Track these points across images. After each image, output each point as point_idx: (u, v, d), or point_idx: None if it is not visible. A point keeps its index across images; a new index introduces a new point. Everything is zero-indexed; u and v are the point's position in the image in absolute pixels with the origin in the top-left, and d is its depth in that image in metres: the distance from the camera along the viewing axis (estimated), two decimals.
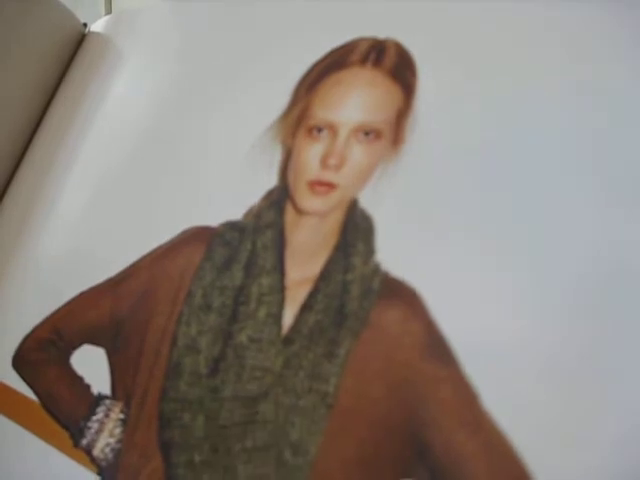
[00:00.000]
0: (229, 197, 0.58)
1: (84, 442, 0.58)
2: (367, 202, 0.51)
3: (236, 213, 0.57)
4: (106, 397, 0.59)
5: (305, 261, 0.52)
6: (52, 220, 0.71)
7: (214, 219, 0.58)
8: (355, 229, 0.51)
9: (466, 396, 0.44)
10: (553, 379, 0.42)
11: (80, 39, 0.82)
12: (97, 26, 0.82)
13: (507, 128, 0.48)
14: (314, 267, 0.51)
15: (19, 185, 0.77)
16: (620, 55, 0.46)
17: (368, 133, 0.52)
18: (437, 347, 0.46)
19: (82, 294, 0.63)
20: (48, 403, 0.62)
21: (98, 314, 0.61)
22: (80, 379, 0.61)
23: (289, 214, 0.54)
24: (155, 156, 0.66)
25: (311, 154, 0.53)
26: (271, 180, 0.56)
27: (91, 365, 0.61)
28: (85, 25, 0.82)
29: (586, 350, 0.41)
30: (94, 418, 0.58)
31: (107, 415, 0.58)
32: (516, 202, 0.46)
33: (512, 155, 0.47)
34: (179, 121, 0.66)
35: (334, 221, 0.52)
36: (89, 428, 0.58)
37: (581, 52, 0.48)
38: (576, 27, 0.48)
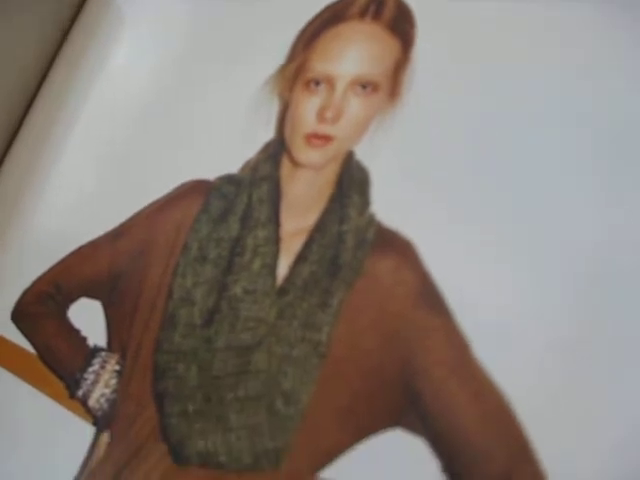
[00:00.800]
0: (227, 151, 0.58)
1: (80, 393, 0.59)
2: (363, 154, 0.50)
3: (233, 167, 0.56)
4: (102, 349, 0.59)
5: (300, 213, 0.52)
6: (54, 180, 0.72)
7: (212, 173, 0.57)
8: (351, 181, 0.50)
9: (458, 345, 0.44)
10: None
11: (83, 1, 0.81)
12: None
13: (507, 96, 0.48)
14: (309, 219, 0.51)
15: (21, 146, 0.78)
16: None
17: (365, 86, 0.51)
18: (430, 297, 0.46)
19: (80, 248, 0.63)
20: (45, 355, 0.62)
21: (96, 268, 0.62)
22: (77, 332, 0.61)
23: (285, 167, 0.54)
24: (157, 117, 0.66)
25: (308, 107, 0.53)
26: (268, 133, 0.56)
27: (88, 318, 0.61)
28: None
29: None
30: (90, 370, 0.58)
31: (103, 367, 0.58)
32: (513, 155, 0.46)
33: (510, 116, 0.47)
34: (180, 84, 0.66)
35: (330, 173, 0.51)
36: (85, 379, 0.58)
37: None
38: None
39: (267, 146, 0.55)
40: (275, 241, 0.52)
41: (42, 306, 0.64)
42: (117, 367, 0.57)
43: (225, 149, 0.57)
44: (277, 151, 0.54)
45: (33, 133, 0.77)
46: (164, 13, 0.70)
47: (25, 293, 0.66)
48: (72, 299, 0.62)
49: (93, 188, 0.67)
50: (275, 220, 0.52)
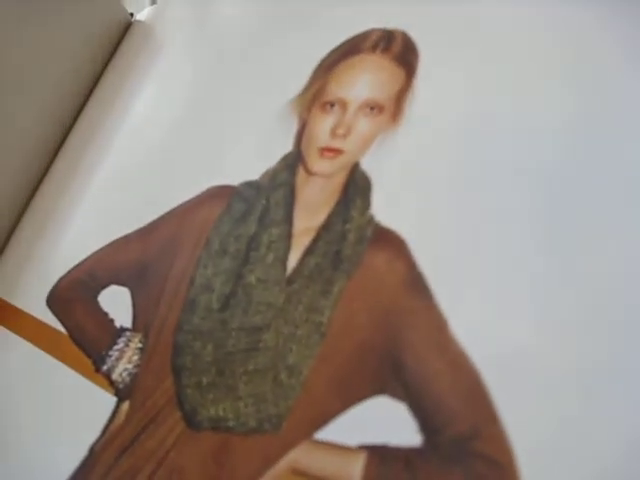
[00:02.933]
0: (250, 161, 0.66)
1: (105, 368, 0.66)
2: (367, 165, 0.59)
3: (255, 175, 0.65)
4: (127, 329, 0.67)
5: (311, 214, 0.60)
6: (92, 186, 0.80)
7: (236, 179, 0.66)
8: (355, 187, 0.59)
9: (437, 324, 0.52)
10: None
11: (126, 27, 0.91)
12: (142, 15, 0.91)
13: (492, 115, 0.56)
14: (318, 219, 0.59)
15: (61, 163, 0.87)
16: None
17: (373, 108, 0.60)
18: (416, 283, 0.54)
19: (115, 241, 0.72)
20: (76, 335, 0.70)
21: (128, 258, 0.70)
22: (105, 314, 0.69)
23: (300, 175, 0.62)
24: (190, 131, 0.75)
25: (324, 125, 0.62)
26: (287, 147, 0.64)
27: (116, 303, 0.69)
28: (132, 14, 0.91)
29: None
30: (115, 347, 0.66)
31: (127, 345, 0.66)
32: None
33: (495, 136, 0.55)
34: (212, 100, 0.75)
35: (338, 181, 0.60)
36: (110, 356, 0.66)
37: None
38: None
39: (285, 157, 0.64)
40: (287, 238, 0.60)
41: (75, 292, 0.72)
42: (140, 345, 0.65)
43: (249, 160, 0.66)
44: (294, 162, 0.63)
45: (74, 145, 0.86)
46: (197, 38, 0.79)
47: (60, 280, 0.74)
48: (103, 285, 0.70)
49: (130, 191, 0.75)
50: (288, 220, 0.60)
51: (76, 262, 0.73)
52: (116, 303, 0.69)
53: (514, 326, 0.49)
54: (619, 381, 0.45)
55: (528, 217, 0.52)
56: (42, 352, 0.72)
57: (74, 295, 0.72)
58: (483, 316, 0.51)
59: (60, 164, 0.85)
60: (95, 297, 0.70)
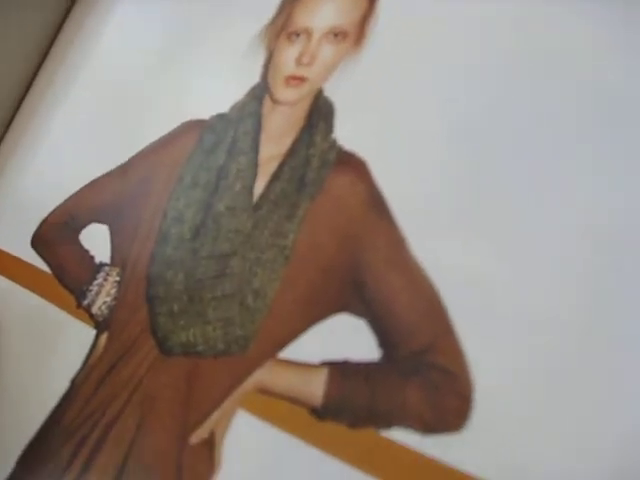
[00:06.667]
0: (222, 95, 0.67)
1: (85, 302, 0.68)
2: (330, 91, 0.59)
3: (226, 108, 0.66)
4: (106, 264, 0.68)
5: (277, 142, 0.61)
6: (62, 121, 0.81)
7: (208, 114, 0.67)
8: (319, 113, 0.59)
9: (397, 243, 0.52)
10: None
11: None
12: None
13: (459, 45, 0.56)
14: (284, 146, 0.60)
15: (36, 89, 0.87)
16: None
17: (337, 34, 0.60)
18: (376, 204, 0.54)
19: (93, 181, 0.73)
20: (59, 273, 0.72)
21: (105, 197, 0.71)
22: (86, 252, 0.71)
23: (266, 105, 0.63)
24: (161, 67, 0.76)
25: (289, 54, 0.62)
26: (256, 79, 0.65)
27: (96, 240, 0.71)
28: None
29: None
30: (95, 282, 0.68)
31: (105, 279, 0.67)
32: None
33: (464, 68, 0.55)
34: (179, 44, 0.76)
35: (302, 108, 0.60)
36: (90, 291, 0.68)
37: None
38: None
39: (254, 89, 0.64)
40: (254, 166, 0.60)
41: (57, 233, 0.74)
42: (117, 278, 0.66)
43: (220, 93, 0.67)
44: (261, 93, 0.63)
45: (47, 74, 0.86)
46: None
47: (43, 222, 0.76)
48: (84, 225, 0.72)
49: (98, 131, 0.76)
50: (255, 149, 0.61)
51: (54, 205, 0.74)
52: (97, 240, 0.71)
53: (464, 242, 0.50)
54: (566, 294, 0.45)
55: (481, 137, 0.52)
56: (25, 289, 0.73)
57: (56, 236, 0.73)
58: (441, 238, 0.52)
59: (31, 99, 0.86)
60: (76, 236, 0.72)
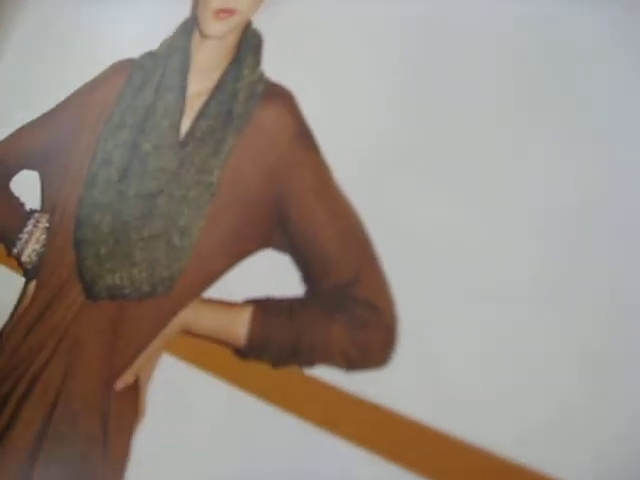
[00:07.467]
0: (152, 32, 0.64)
1: (15, 251, 0.65)
2: (259, 23, 0.57)
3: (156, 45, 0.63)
4: (35, 211, 0.66)
5: (205, 77, 0.58)
6: None
7: (138, 53, 0.64)
8: (247, 45, 0.57)
9: (323, 175, 0.51)
10: None
11: None
12: None
13: None
14: (212, 81, 0.58)
15: None
16: None
17: None
18: (303, 137, 0.53)
19: (21, 128, 0.70)
20: None
21: (34, 143, 0.68)
22: (16, 199, 0.68)
23: (195, 40, 0.60)
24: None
25: None
26: (186, 14, 0.62)
27: (27, 187, 0.68)
28: None
29: None
30: (25, 230, 0.65)
31: (35, 226, 0.65)
32: None
33: None
34: None
35: (230, 41, 0.58)
36: (20, 239, 0.65)
37: None
38: None
39: (183, 24, 0.61)
40: (182, 102, 0.58)
41: None
42: (47, 224, 0.64)
43: (150, 30, 0.64)
44: (191, 27, 0.60)
45: None
46: None
47: None
48: (13, 172, 0.69)
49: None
50: (183, 85, 0.58)
51: None
52: (28, 187, 0.68)
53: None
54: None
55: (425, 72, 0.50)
56: None
57: None
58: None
59: None
60: (6, 184, 0.69)
